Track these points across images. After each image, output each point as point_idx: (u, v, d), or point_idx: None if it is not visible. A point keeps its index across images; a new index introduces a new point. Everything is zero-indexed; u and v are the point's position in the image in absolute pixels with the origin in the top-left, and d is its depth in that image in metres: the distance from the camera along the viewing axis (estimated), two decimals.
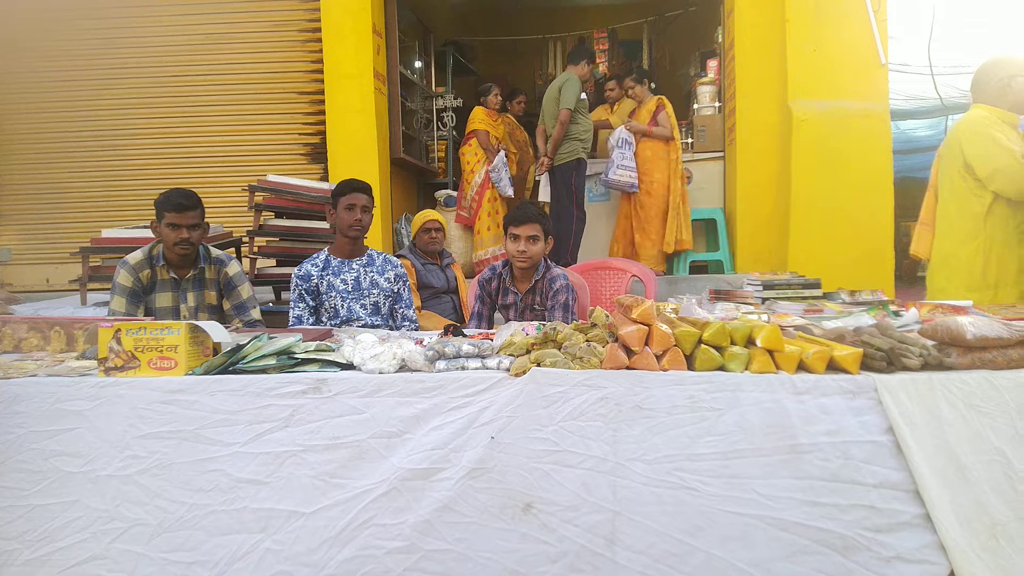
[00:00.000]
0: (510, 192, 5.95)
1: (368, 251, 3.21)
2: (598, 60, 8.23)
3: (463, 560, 1.71)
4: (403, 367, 1.88)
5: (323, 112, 5.74)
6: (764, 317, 2.18)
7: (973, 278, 2.95)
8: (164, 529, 1.77)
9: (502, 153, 5.94)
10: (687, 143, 6.07)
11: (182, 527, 1.77)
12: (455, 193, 6.28)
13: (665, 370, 1.73)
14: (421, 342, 2.06)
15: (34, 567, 1.78)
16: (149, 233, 3.15)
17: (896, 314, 2.33)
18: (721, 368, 1.74)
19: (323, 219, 4.33)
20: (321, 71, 5.72)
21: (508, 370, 1.82)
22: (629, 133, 5.58)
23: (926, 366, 1.69)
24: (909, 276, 3.94)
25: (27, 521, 1.80)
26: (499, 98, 6.17)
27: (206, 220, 3.00)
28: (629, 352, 1.76)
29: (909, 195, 5.61)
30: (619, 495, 1.68)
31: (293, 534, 1.74)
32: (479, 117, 6.05)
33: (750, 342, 1.77)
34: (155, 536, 1.77)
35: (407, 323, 3.18)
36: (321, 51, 5.70)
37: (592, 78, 5.68)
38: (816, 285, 2.77)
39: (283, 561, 1.74)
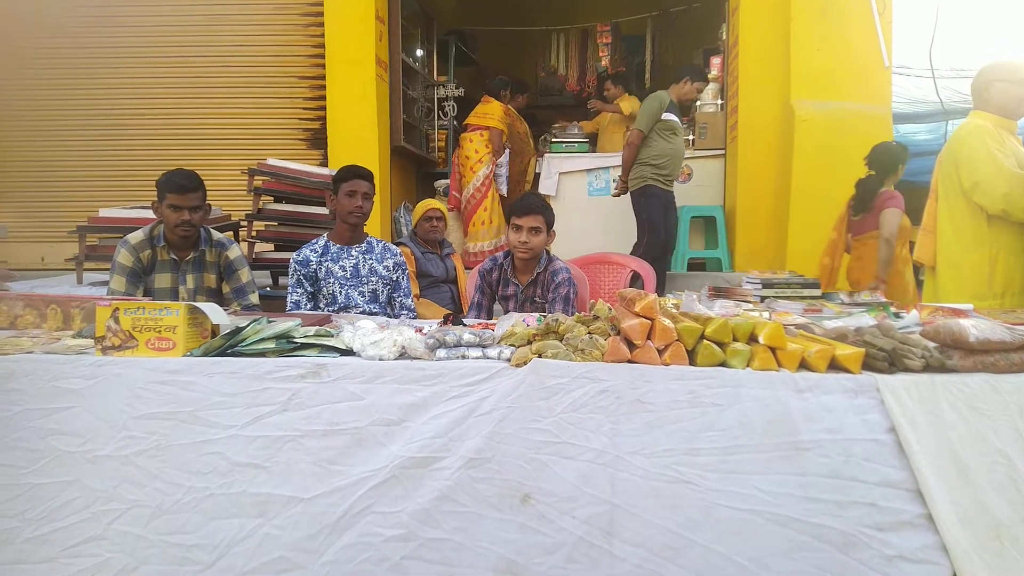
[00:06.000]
0: (504, 190, 5.93)
1: (367, 238, 3.19)
2: (600, 54, 8.21)
3: (460, 549, 1.70)
4: (403, 354, 1.87)
5: (324, 97, 5.70)
6: (765, 315, 2.18)
7: (979, 286, 2.94)
8: (163, 511, 1.76)
9: (507, 152, 5.92)
10: (689, 140, 6.06)
11: (181, 510, 1.76)
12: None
13: (667, 364, 1.73)
14: (421, 330, 2.05)
15: (34, 546, 1.77)
16: (147, 213, 3.14)
17: (896, 315, 2.33)
18: (723, 364, 1.74)
19: (323, 205, 4.31)
20: (322, 56, 5.67)
21: (509, 360, 1.81)
22: None
23: (928, 368, 1.69)
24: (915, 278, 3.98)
25: (27, 500, 1.79)
26: (511, 93, 6.14)
27: (208, 202, 2.98)
28: (631, 345, 1.76)
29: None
30: (617, 488, 1.68)
31: (292, 520, 1.74)
32: (498, 115, 5.92)
33: (752, 339, 1.77)
34: (154, 518, 1.76)
35: (405, 311, 3.17)
36: (323, 36, 5.65)
37: (697, 96, 5.07)
38: (815, 285, 2.78)
39: (282, 547, 1.73)
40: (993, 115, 3.00)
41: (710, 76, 6.09)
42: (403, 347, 1.87)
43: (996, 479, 1.58)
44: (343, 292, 3.05)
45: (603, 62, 8.16)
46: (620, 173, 5.02)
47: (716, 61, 6.15)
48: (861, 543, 1.59)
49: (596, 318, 1.94)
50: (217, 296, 3.05)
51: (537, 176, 6.33)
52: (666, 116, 4.77)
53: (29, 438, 1.80)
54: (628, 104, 6.56)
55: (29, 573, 1.77)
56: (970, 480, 1.58)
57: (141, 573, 1.75)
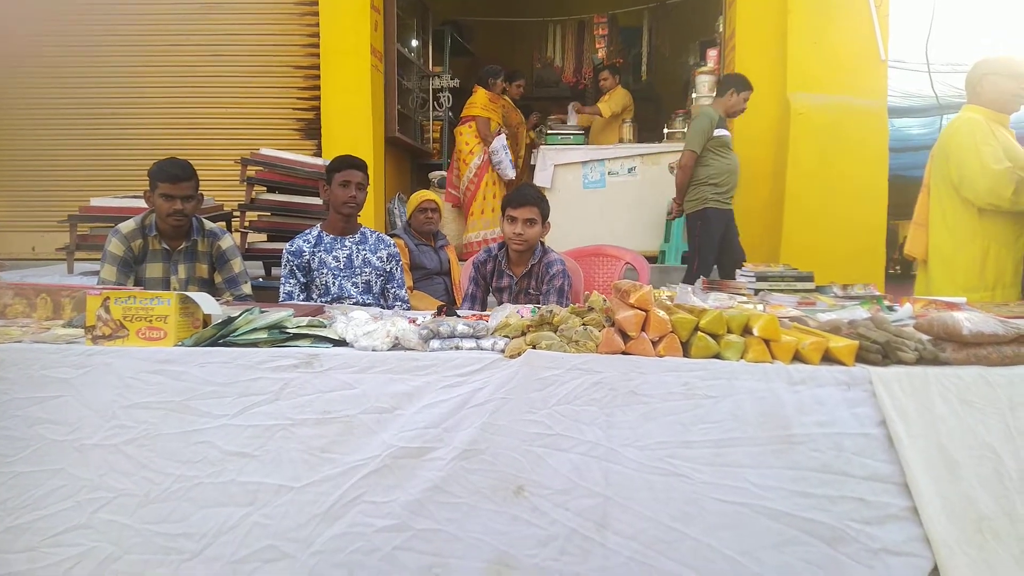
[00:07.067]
0: (511, 174, 5.91)
1: (361, 229, 3.17)
2: (597, 45, 8.18)
3: (453, 540, 1.70)
4: (396, 345, 1.87)
5: (318, 87, 5.66)
6: (760, 307, 2.17)
7: (971, 279, 2.95)
8: (150, 500, 1.75)
9: (502, 136, 5.89)
10: (683, 132, 6.04)
11: (168, 499, 1.75)
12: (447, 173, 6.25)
13: (661, 356, 1.73)
14: (414, 321, 2.04)
15: (16, 534, 1.76)
16: (139, 202, 3.11)
17: (889, 308, 2.34)
18: (717, 356, 1.74)
19: (316, 195, 4.27)
20: (317, 46, 5.63)
21: (503, 351, 1.80)
22: None
23: (921, 360, 1.69)
24: (905, 274, 4.00)
25: (9, 488, 1.77)
26: (503, 83, 6.12)
27: (200, 192, 2.96)
28: (625, 337, 1.75)
29: (900, 193, 5.62)
30: (611, 480, 1.68)
31: (281, 508, 1.73)
32: (482, 103, 5.95)
33: (746, 331, 1.76)
34: (141, 507, 1.75)
35: (399, 303, 3.16)
36: (318, 25, 5.61)
37: (744, 106, 4.66)
38: (809, 278, 2.77)
39: (271, 536, 1.72)
40: (986, 109, 3.01)
41: (706, 69, 6.07)
42: (396, 338, 1.86)
43: (982, 473, 1.59)
44: (336, 283, 3.04)
45: (599, 54, 8.14)
46: (674, 196, 4.81)
47: (712, 53, 6.12)
48: (848, 537, 1.60)
49: (591, 309, 1.93)
50: (209, 286, 3.03)
51: (532, 168, 6.32)
52: (718, 133, 4.56)
53: (16, 427, 1.79)
54: (607, 106, 6.59)
55: (8, 563, 1.75)
56: (957, 474, 1.59)
57: (124, 563, 1.74)
